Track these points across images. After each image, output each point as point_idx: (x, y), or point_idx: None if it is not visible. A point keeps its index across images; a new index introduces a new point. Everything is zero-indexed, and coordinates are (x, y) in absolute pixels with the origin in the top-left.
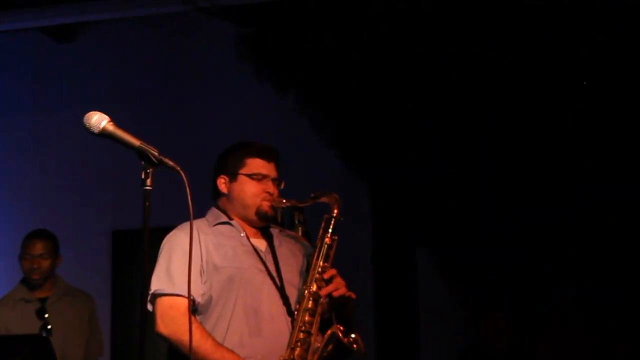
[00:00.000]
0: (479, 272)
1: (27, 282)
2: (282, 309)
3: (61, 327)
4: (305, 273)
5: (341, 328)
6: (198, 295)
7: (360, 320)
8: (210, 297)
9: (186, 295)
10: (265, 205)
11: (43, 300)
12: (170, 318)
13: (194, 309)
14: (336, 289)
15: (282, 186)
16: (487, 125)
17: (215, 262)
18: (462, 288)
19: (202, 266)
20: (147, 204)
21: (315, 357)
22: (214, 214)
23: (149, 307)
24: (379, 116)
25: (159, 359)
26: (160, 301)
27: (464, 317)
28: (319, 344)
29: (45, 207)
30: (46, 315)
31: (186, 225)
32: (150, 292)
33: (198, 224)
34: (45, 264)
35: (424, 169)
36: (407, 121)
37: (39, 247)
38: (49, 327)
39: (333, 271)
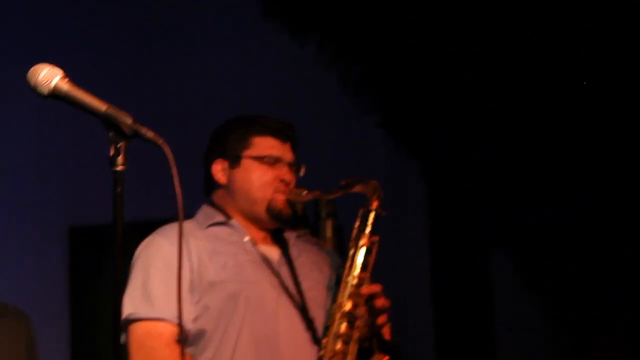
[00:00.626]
0: (580, 283)
1: None
2: (306, 336)
3: None
4: (335, 287)
5: (386, 358)
6: (188, 321)
7: (416, 351)
8: (206, 323)
9: (170, 319)
10: (280, 200)
11: None
12: (149, 349)
13: (181, 339)
14: (380, 310)
15: (301, 173)
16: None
17: (210, 276)
18: (556, 305)
19: (192, 281)
20: (118, 189)
21: None
22: (205, 213)
23: (122, 337)
24: (437, 71)
25: None
26: (136, 328)
27: (558, 345)
28: None
29: None
30: None
31: (167, 228)
32: (123, 317)
33: (185, 225)
34: None
35: (497, 144)
36: (478, 74)
37: None
38: None
39: (376, 287)
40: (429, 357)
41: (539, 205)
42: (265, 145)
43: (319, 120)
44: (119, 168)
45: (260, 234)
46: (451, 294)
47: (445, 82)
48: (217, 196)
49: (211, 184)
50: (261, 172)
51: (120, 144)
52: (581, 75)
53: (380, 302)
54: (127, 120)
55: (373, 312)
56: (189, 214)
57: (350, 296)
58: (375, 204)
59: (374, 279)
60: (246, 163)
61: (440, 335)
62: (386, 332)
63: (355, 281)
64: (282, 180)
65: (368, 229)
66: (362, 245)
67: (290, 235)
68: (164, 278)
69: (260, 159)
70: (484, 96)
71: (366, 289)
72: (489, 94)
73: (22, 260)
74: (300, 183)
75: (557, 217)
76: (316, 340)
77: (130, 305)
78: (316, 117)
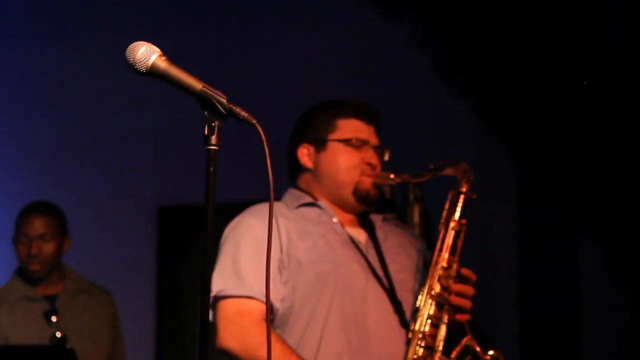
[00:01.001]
0: None
1: (24, 274)
2: (394, 319)
3: (76, 335)
4: (423, 270)
5: (476, 341)
6: (276, 300)
7: (500, 338)
8: (293, 303)
9: (260, 297)
10: (367, 182)
11: (51, 299)
12: (239, 327)
13: (270, 318)
14: (468, 297)
15: (387, 157)
16: None
17: (299, 256)
18: None
19: (281, 260)
20: (211, 169)
21: None
22: (293, 195)
23: (210, 314)
24: (530, 55)
25: None
26: (225, 305)
27: None
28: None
29: (63, 177)
30: (55, 319)
31: (256, 208)
32: (212, 294)
33: (274, 206)
34: (48, 248)
35: (591, 131)
36: (574, 61)
37: (38, 226)
38: (59, 334)
39: (471, 274)
40: (513, 346)
41: (630, 195)
42: (350, 127)
43: (411, 102)
44: (213, 147)
45: (347, 217)
46: (538, 283)
47: (539, 67)
48: (303, 180)
49: (297, 169)
50: (347, 155)
51: (215, 123)
52: None
53: (469, 289)
54: (222, 99)
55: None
56: (278, 196)
57: (440, 279)
58: (465, 187)
59: (460, 264)
60: (332, 146)
61: (525, 324)
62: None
63: (444, 264)
64: (368, 164)
65: (458, 212)
66: (452, 229)
67: (376, 218)
68: (254, 255)
69: (346, 141)
70: (580, 82)
71: (465, 270)
72: (585, 80)
73: (111, 238)
74: (390, 166)
75: None
76: (404, 323)
77: (220, 282)
78: (408, 100)
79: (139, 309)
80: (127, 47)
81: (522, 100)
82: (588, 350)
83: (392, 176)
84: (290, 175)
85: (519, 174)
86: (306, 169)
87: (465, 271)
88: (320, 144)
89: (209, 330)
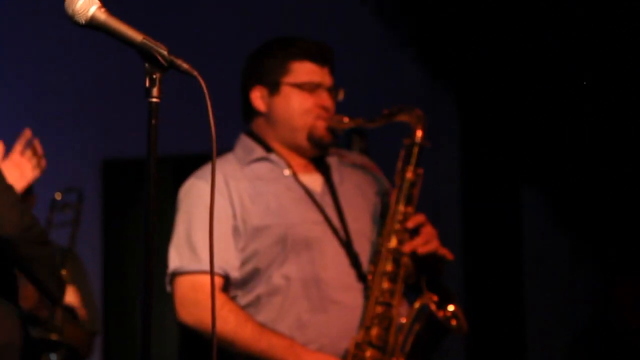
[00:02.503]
0: (611, 221)
1: None
2: (352, 273)
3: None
4: (381, 219)
5: (434, 298)
6: (233, 269)
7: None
8: (253, 268)
9: (214, 271)
10: (320, 127)
11: None
12: (194, 302)
13: (227, 285)
14: (425, 243)
15: (341, 96)
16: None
17: (254, 222)
18: (585, 242)
19: (235, 227)
20: (153, 121)
21: (400, 338)
22: (245, 146)
23: (168, 288)
24: (471, 3)
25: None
26: (180, 282)
27: (586, 282)
28: (403, 320)
29: (6, 131)
30: None
31: (207, 168)
32: (169, 270)
33: (224, 165)
34: None
35: (532, 79)
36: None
37: None
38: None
39: (420, 217)
40: (457, 291)
41: (571, 142)
42: (304, 70)
43: (353, 51)
44: (154, 100)
45: (301, 162)
46: (480, 229)
47: (480, 14)
48: (256, 125)
49: (249, 112)
50: (301, 99)
51: (156, 75)
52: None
53: (426, 234)
54: (162, 51)
55: (417, 251)
56: (224, 148)
57: (396, 232)
58: (419, 135)
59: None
60: (286, 90)
61: (469, 274)
62: (447, 254)
63: (400, 217)
64: (322, 107)
65: (413, 162)
66: (407, 179)
67: (332, 160)
68: (207, 226)
69: (300, 85)
70: (520, 28)
71: (411, 222)
72: (526, 26)
73: (57, 192)
74: (338, 110)
75: (589, 155)
76: (361, 277)
77: (177, 257)
78: (350, 49)
79: (85, 263)
80: None
81: (465, 49)
82: (531, 300)
83: (346, 120)
84: (243, 117)
85: (462, 124)
86: (259, 113)
87: (417, 219)
88: (273, 87)
89: (155, 287)
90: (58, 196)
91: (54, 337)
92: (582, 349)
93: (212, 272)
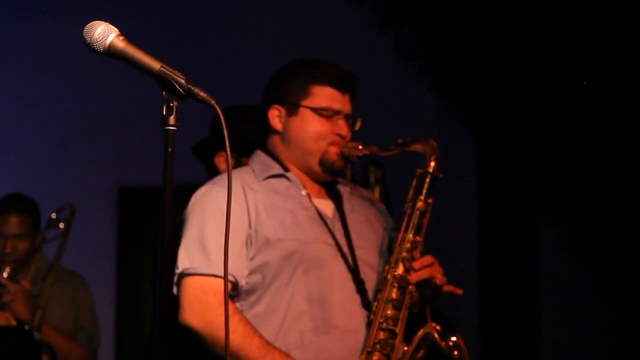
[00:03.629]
0: (629, 254)
1: None
2: (356, 299)
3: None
4: (387, 251)
5: (437, 327)
6: (241, 277)
7: (461, 318)
8: (259, 280)
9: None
10: (333, 152)
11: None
12: (203, 305)
13: (233, 295)
14: (432, 277)
15: (357, 126)
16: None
17: (267, 233)
18: (601, 274)
19: (249, 236)
20: (169, 149)
21: None
22: (262, 161)
23: (174, 289)
24: (490, 37)
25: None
26: (190, 282)
27: (603, 314)
28: (405, 348)
29: (23, 160)
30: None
31: (224, 177)
32: (178, 270)
33: (241, 175)
34: (22, 247)
35: (550, 113)
36: (533, 42)
37: (13, 225)
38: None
39: (429, 259)
40: (473, 323)
41: (588, 174)
42: (324, 96)
43: (371, 82)
44: (171, 127)
45: (314, 187)
46: (497, 261)
47: (499, 48)
48: (271, 142)
49: (266, 129)
50: (318, 123)
51: (173, 103)
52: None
53: (434, 269)
54: (180, 79)
55: (425, 281)
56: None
57: (404, 260)
58: (432, 165)
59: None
60: (303, 112)
61: (486, 305)
62: (447, 287)
63: (408, 245)
64: (338, 134)
65: (424, 191)
66: (418, 209)
67: (344, 189)
68: (221, 231)
69: (318, 110)
70: (538, 64)
71: (419, 262)
72: (545, 62)
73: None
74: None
75: (607, 187)
76: (366, 303)
77: (187, 259)
78: (368, 79)
79: (98, 292)
80: (85, 27)
81: (482, 82)
82: (547, 330)
83: (360, 147)
84: (259, 133)
85: (479, 156)
86: (275, 131)
87: (424, 260)
88: (291, 108)
89: (167, 311)
90: (54, 215)
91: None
92: None
93: (225, 277)
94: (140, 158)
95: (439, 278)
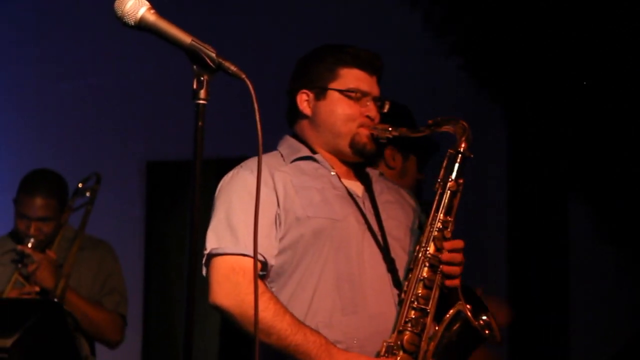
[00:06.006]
0: None
1: (17, 238)
2: (387, 278)
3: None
4: (418, 230)
5: (469, 306)
6: (271, 257)
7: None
8: (289, 259)
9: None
10: (364, 135)
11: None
12: (233, 285)
13: (263, 275)
14: (457, 264)
15: (386, 109)
16: None
17: (297, 211)
18: (631, 254)
19: (277, 216)
20: (200, 123)
21: (432, 344)
22: (290, 145)
23: (203, 270)
24: (521, 14)
25: (208, 333)
26: (219, 262)
27: (633, 295)
28: (437, 327)
29: (53, 133)
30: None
31: (252, 162)
32: (206, 251)
33: (269, 160)
34: (47, 228)
35: (582, 89)
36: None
37: (39, 207)
38: (37, 289)
39: (458, 243)
40: (501, 302)
41: (623, 155)
42: (352, 77)
43: (401, 59)
44: (202, 101)
45: (343, 169)
46: (527, 239)
47: (531, 24)
48: (300, 127)
49: (295, 114)
50: (347, 105)
51: (204, 77)
52: None
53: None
54: (211, 53)
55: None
56: (270, 151)
57: (434, 240)
58: (463, 146)
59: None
60: (332, 95)
61: (514, 285)
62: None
63: (439, 225)
64: (367, 116)
65: (455, 172)
66: (449, 188)
67: (373, 172)
68: (249, 211)
69: (346, 92)
70: (570, 40)
71: (450, 244)
72: (576, 37)
73: (100, 193)
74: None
75: (638, 165)
76: (396, 282)
77: (215, 239)
78: (399, 57)
79: (127, 266)
80: (116, 0)
81: (513, 59)
82: (575, 311)
83: (390, 129)
84: (288, 119)
85: (510, 134)
86: (304, 116)
87: (455, 243)
88: (320, 92)
89: (197, 287)
90: (80, 185)
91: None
92: None
93: (255, 255)
94: (170, 132)
95: (455, 278)
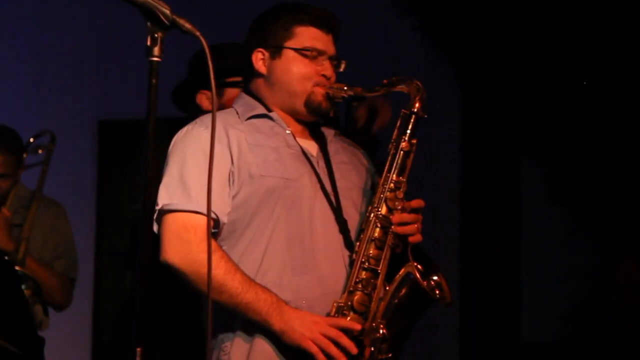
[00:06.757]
0: (612, 197)
1: None
2: (339, 238)
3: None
4: (371, 191)
5: (419, 267)
6: (223, 214)
7: (441, 258)
8: (241, 217)
9: (206, 211)
10: (319, 93)
11: None
12: (184, 242)
13: (215, 233)
14: (413, 223)
15: (342, 68)
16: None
17: (250, 169)
18: (584, 218)
19: (231, 173)
20: (153, 80)
21: (382, 305)
22: (245, 102)
23: (155, 227)
24: None
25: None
26: (171, 219)
27: (583, 260)
28: (387, 288)
29: (3, 90)
30: None
31: (207, 117)
32: (157, 207)
33: (224, 116)
34: (6, 185)
35: (535, 51)
36: None
37: None
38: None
39: (420, 202)
40: (453, 263)
41: (572, 115)
42: (307, 36)
43: (356, 19)
44: (155, 59)
45: (298, 128)
46: (479, 201)
47: None
48: (256, 86)
49: (250, 72)
50: (302, 64)
51: (158, 34)
52: None
53: (415, 216)
54: (165, 10)
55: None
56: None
57: (387, 200)
58: (417, 106)
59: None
60: (287, 54)
61: (465, 241)
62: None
63: (392, 185)
64: (322, 75)
65: (409, 132)
66: (402, 149)
67: (328, 132)
68: (202, 168)
69: (302, 51)
70: (526, 1)
71: (415, 203)
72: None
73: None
74: (338, 79)
75: (590, 128)
76: (348, 243)
77: (167, 195)
78: (353, 16)
79: (79, 224)
80: None
81: (468, 19)
82: (526, 272)
83: (345, 88)
84: (244, 77)
85: (463, 95)
86: (260, 74)
87: (414, 202)
88: (275, 51)
89: (151, 244)
90: (31, 140)
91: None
92: (574, 324)
93: (208, 214)
94: (123, 90)
95: (416, 235)
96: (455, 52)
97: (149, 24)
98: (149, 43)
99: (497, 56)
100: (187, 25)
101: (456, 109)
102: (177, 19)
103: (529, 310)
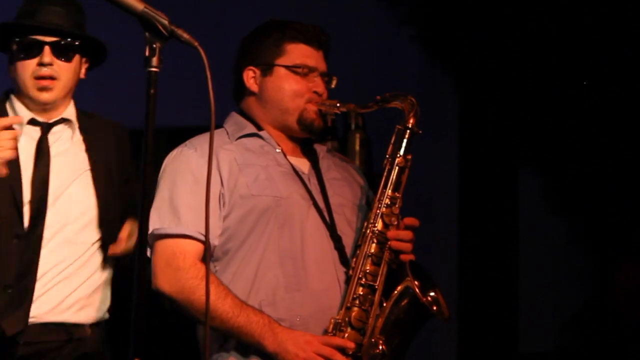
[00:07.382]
0: (610, 206)
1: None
2: (333, 255)
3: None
4: (366, 207)
5: (417, 282)
6: (214, 237)
7: (439, 273)
8: (233, 238)
9: (196, 236)
10: (312, 111)
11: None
12: (173, 270)
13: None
14: (407, 241)
15: (333, 84)
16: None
17: (241, 190)
18: (583, 225)
19: (221, 195)
20: (152, 91)
21: (380, 321)
22: (235, 122)
23: (148, 252)
24: None
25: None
26: (161, 246)
27: (582, 269)
28: (385, 304)
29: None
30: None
31: (198, 140)
32: (149, 231)
33: (215, 137)
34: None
35: (534, 61)
36: None
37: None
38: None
39: (412, 220)
40: (452, 272)
41: (569, 124)
42: (298, 53)
43: (353, 31)
44: (154, 69)
45: (289, 145)
46: (477, 211)
47: None
48: (247, 104)
49: (241, 91)
50: (294, 81)
51: (156, 45)
52: None
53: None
54: (163, 20)
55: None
56: (221, 122)
57: (383, 216)
58: (412, 122)
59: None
60: (279, 71)
61: (464, 253)
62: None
63: (387, 201)
64: (314, 92)
65: (403, 148)
66: (397, 164)
67: (320, 149)
68: (192, 191)
69: (293, 68)
70: (522, 13)
71: (409, 221)
72: (529, 12)
73: None
74: (331, 94)
75: (588, 137)
76: (343, 259)
77: (157, 219)
78: (350, 28)
79: None
80: None
81: (466, 30)
82: (525, 282)
83: (338, 104)
84: (235, 96)
85: (461, 105)
86: (251, 93)
87: (408, 220)
88: (266, 68)
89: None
90: None
91: None
92: (573, 333)
93: (207, 241)
94: (121, 100)
95: (407, 254)
96: (452, 63)
97: (147, 34)
98: (147, 53)
99: (494, 66)
100: (186, 36)
101: (454, 119)
102: (176, 30)
103: (528, 320)
